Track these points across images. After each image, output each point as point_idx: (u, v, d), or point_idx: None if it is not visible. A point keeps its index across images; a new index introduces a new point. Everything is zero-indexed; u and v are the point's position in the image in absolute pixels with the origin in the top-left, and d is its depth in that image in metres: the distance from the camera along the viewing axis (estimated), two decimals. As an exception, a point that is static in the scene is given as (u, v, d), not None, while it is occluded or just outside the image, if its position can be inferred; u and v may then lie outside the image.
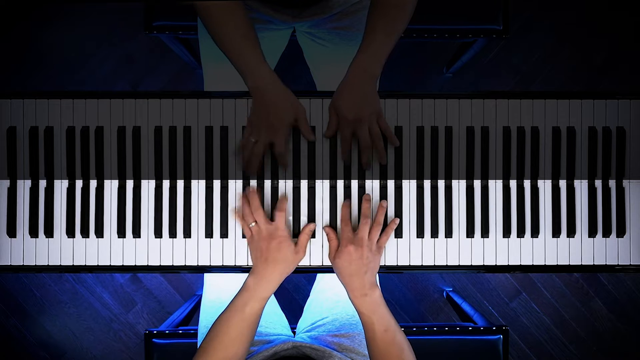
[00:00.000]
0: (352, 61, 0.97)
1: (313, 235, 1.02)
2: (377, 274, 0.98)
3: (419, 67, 1.86)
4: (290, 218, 1.02)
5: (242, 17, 0.97)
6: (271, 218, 1.00)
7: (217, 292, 1.17)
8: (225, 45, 0.98)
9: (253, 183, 1.02)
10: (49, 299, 1.84)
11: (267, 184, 1.02)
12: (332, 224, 1.02)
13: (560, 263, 1.03)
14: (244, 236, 1.02)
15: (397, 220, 1.01)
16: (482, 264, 1.02)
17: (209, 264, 1.02)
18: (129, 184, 1.02)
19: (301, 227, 1.02)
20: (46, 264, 1.02)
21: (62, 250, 1.02)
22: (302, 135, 1.01)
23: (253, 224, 0.97)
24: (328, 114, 1.02)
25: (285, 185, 1.02)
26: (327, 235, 1.00)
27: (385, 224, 1.01)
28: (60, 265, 1.02)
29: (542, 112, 1.03)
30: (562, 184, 1.03)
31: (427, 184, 1.03)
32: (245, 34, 0.97)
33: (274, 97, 0.97)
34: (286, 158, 1.00)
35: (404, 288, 1.83)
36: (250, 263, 1.02)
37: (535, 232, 1.02)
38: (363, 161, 1.00)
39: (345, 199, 1.02)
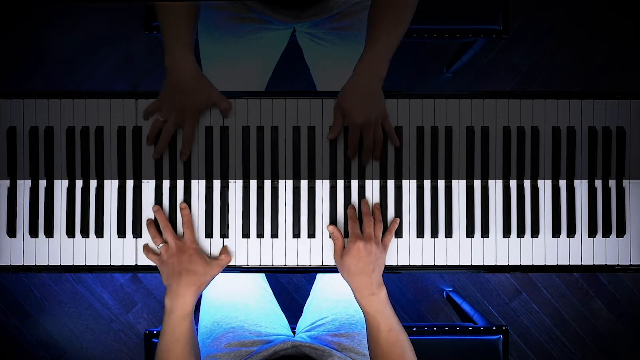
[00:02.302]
0: (357, 62, 0.97)
1: (304, 235, 1.02)
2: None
3: (419, 67, 1.86)
4: (291, 218, 1.02)
5: (188, 3, 0.98)
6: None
7: (217, 292, 1.17)
8: (160, 18, 0.97)
9: (253, 183, 1.02)
10: (49, 299, 1.84)
11: (267, 184, 1.02)
12: (332, 224, 1.02)
13: (560, 263, 1.03)
14: (243, 236, 1.02)
15: (398, 220, 1.01)
16: (482, 264, 1.03)
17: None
18: (129, 184, 1.02)
19: (301, 228, 1.02)
20: (46, 264, 1.02)
21: (62, 250, 1.02)
22: (220, 111, 1.01)
23: (161, 244, 0.98)
24: (331, 114, 1.02)
25: (285, 185, 1.02)
26: (332, 234, 1.00)
27: (386, 225, 1.01)
28: (60, 265, 1.02)
29: (542, 112, 1.03)
30: (562, 184, 1.03)
31: (427, 184, 1.03)
32: (181, 16, 0.97)
33: (185, 80, 0.96)
34: (190, 145, 1.00)
35: (404, 288, 1.83)
36: (254, 262, 1.02)
37: (535, 232, 1.02)
38: (363, 158, 1.01)
39: (345, 199, 1.02)
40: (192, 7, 0.98)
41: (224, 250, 1.01)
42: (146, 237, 1.02)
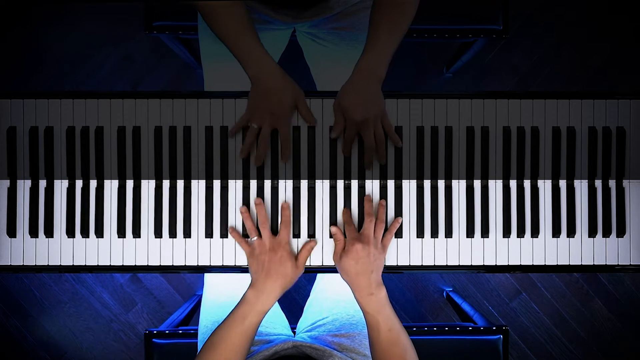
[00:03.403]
0: (357, 62, 0.98)
1: (304, 235, 1.02)
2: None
3: (419, 67, 1.86)
4: (291, 218, 1.02)
5: (241, 10, 0.99)
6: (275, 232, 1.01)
7: (217, 292, 1.17)
8: (226, 37, 0.99)
9: (253, 183, 1.02)
10: (49, 299, 1.84)
11: (267, 184, 1.02)
12: (333, 224, 1.02)
13: (560, 263, 1.03)
14: (244, 236, 1.02)
15: (400, 220, 1.01)
16: (482, 264, 1.03)
17: (209, 264, 1.02)
18: (129, 184, 1.02)
19: (300, 228, 1.02)
20: (46, 264, 1.02)
21: (62, 250, 1.02)
22: (303, 118, 1.02)
23: (255, 238, 0.98)
24: (331, 114, 1.02)
25: (285, 185, 1.02)
26: (334, 235, 1.00)
27: (387, 224, 1.01)
28: (60, 265, 1.02)
29: (542, 112, 1.03)
30: (562, 184, 1.03)
31: (427, 184, 1.03)
32: (244, 25, 0.98)
33: (275, 83, 0.98)
34: (290, 145, 1.01)
35: (404, 288, 1.83)
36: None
37: (535, 232, 1.02)
38: (366, 162, 1.00)
39: (345, 199, 1.02)
40: (245, 10, 0.99)
41: (304, 247, 1.00)
42: (145, 237, 1.02)
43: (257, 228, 1.00)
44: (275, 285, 0.93)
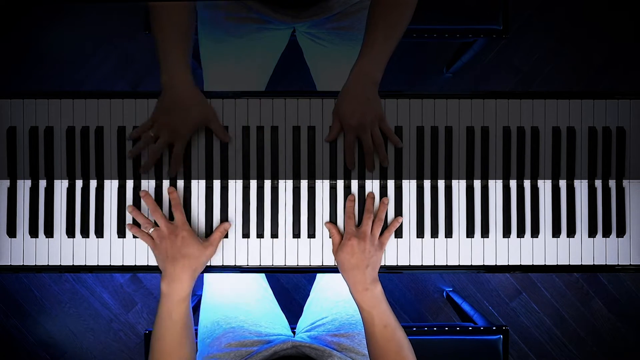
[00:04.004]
0: (352, 66, 0.98)
1: (304, 235, 1.02)
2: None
3: (419, 67, 1.86)
4: (291, 218, 1.02)
5: (183, 16, 0.97)
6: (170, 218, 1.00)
7: (217, 292, 1.17)
8: (156, 35, 0.97)
9: (253, 183, 1.02)
10: (49, 299, 1.84)
11: (267, 184, 1.02)
12: (332, 222, 1.02)
13: (560, 263, 1.03)
14: (244, 236, 1.02)
15: (400, 219, 1.01)
16: (482, 264, 1.03)
17: (209, 264, 1.02)
18: (129, 184, 1.02)
19: (301, 228, 1.02)
20: (46, 264, 1.02)
21: (62, 250, 1.02)
22: (215, 136, 1.01)
23: (152, 229, 0.96)
24: (328, 115, 1.02)
25: (285, 185, 1.02)
26: (329, 230, 1.01)
27: (386, 223, 1.01)
28: (60, 265, 1.02)
29: (542, 112, 1.03)
30: (562, 184, 1.03)
31: (427, 184, 1.03)
32: (178, 32, 0.96)
33: (182, 97, 0.96)
34: (180, 163, 0.99)
35: (404, 288, 1.83)
36: (254, 262, 1.02)
37: (535, 232, 1.02)
38: (367, 165, 1.00)
39: (345, 199, 1.02)
40: (189, 21, 0.98)
41: (218, 228, 1.00)
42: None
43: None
44: (183, 269, 0.92)
